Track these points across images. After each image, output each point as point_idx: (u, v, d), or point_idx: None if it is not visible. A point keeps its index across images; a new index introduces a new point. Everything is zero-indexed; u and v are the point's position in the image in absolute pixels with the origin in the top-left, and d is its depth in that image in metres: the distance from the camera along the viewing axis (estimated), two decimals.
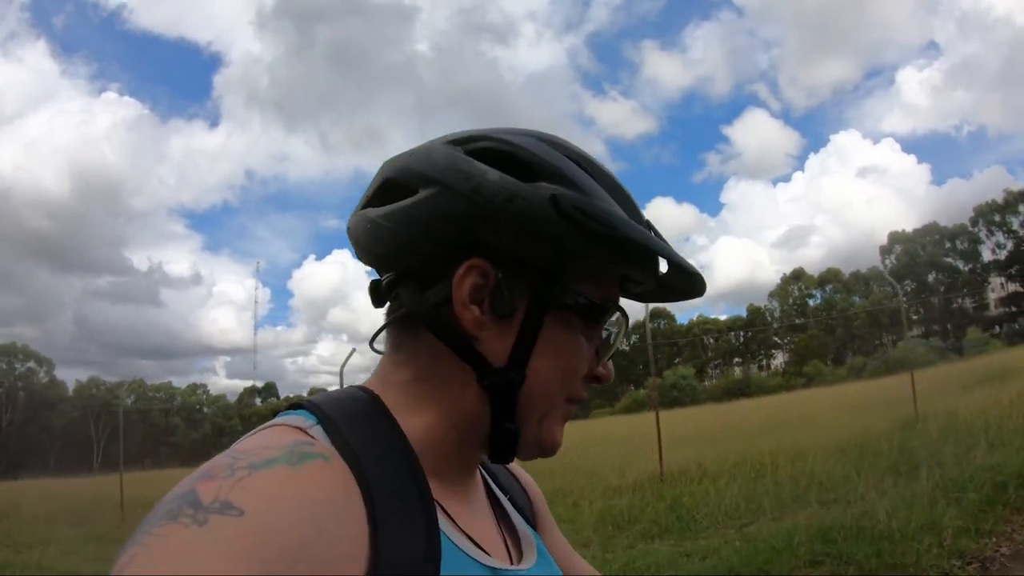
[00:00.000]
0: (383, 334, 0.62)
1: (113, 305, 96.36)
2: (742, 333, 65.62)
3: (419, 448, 0.53)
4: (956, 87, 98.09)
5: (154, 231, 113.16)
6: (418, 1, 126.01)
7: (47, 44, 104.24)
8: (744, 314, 69.50)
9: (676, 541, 5.70)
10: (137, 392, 67.31)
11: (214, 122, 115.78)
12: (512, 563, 0.60)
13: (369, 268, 0.62)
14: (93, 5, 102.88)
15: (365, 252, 0.59)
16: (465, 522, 0.56)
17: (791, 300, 67.09)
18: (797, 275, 67.92)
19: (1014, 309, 54.41)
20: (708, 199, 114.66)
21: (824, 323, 57.89)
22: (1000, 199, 58.67)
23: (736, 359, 69.36)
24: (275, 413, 0.55)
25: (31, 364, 63.35)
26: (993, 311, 56.83)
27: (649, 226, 0.60)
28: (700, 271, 0.61)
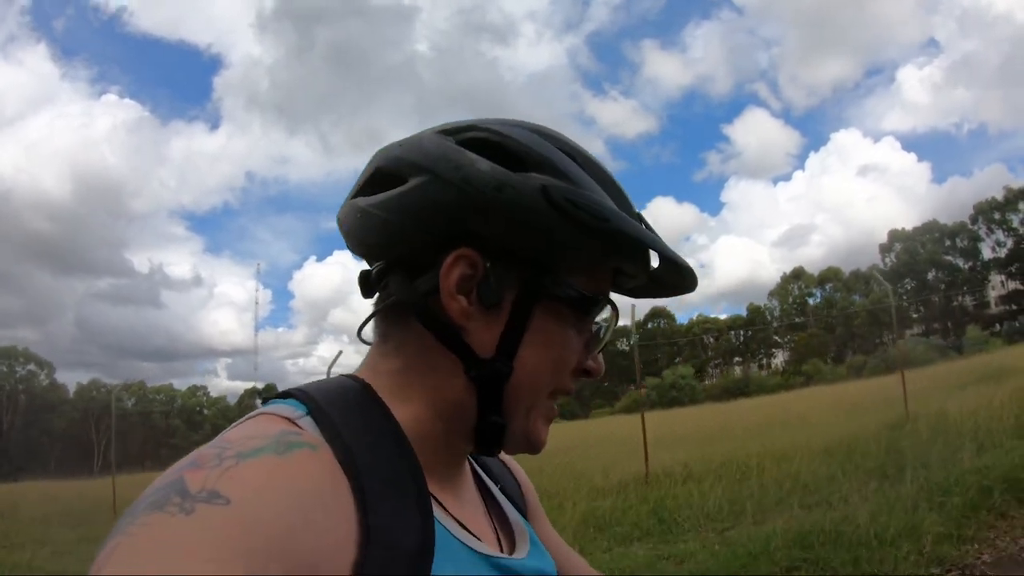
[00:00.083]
0: (372, 324, 0.61)
1: (114, 307, 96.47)
2: (742, 332, 65.52)
3: (410, 438, 0.52)
4: (956, 85, 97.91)
5: (155, 233, 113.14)
6: (418, 1, 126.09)
7: (47, 47, 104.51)
8: (744, 313, 69.45)
9: (655, 544, 5.62)
10: (138, 394, 67.46)
11: (214, 124, 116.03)
12: (503, 553, 0.60)
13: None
14: (93, 8, 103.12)
15: (355, 241, 0.59)
16: (458, 511, 0.56)
17: (791, 299, 66.91)
18: (797, 274, 67.74)
19: (1014, 307, 54.22)
20: (709, 198, 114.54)
21: (824, 322, 57.77)
22: (1000, 197, 58.48)
23: (736, 358, 69.23)
24: (266, 401, 0.54)
25: (31, 367, 63.50)
26: (994, 309, 56.61)
27: (640, 219, 0.59)
28: (692, 266, 0.60)
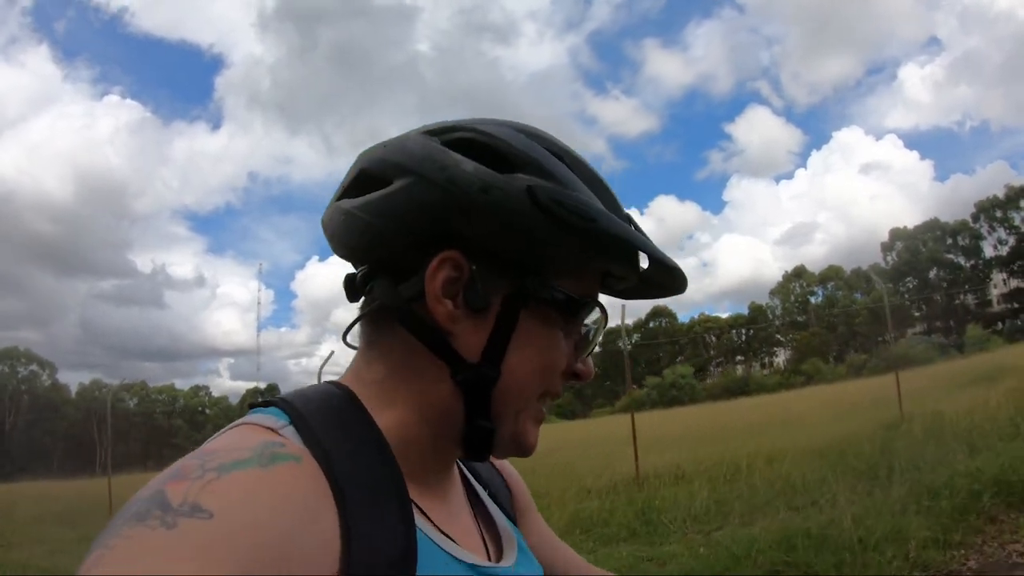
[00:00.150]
0: (357, 329, 0.60)
1: (117, 308, 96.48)
2: (743, 331, 65.38)
3: (394, 445, 0.52)
4: (958, 82, 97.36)
5: (157, 234, 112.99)
6: (419, 1, 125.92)
7: (49, 49, 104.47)
8: (746, 312, 69.30)
9: (641, 546, 5.59)
10: (140, 394, 67.63)
11: (216, 124, 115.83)
12: (491, 561, 0.59)
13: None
14: (94, 9, 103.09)
15: (339, 244, 0.58)
16: (442, 520, 0.55)
17: (793, 298, 66.75)
18: (798, 272, 67.51)
19: (1016, 305, 53.99)
20: (711, 197, 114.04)
21: (825, 321, 57.59)
22: (1002, 195, 58.16)
23: (738, 357, 69.09)
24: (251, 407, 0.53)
25: (34, 367, 63.72)
26: (995, 307, 56.37)
27: (629, 220, 0.59)
28: (681, 267, 0.59)
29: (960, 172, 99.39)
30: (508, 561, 0.61)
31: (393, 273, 0.55)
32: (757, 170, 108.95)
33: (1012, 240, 57.26)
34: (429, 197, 0.51)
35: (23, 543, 9.06)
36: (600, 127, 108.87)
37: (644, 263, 0.58)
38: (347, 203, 0.56)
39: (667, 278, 0.60)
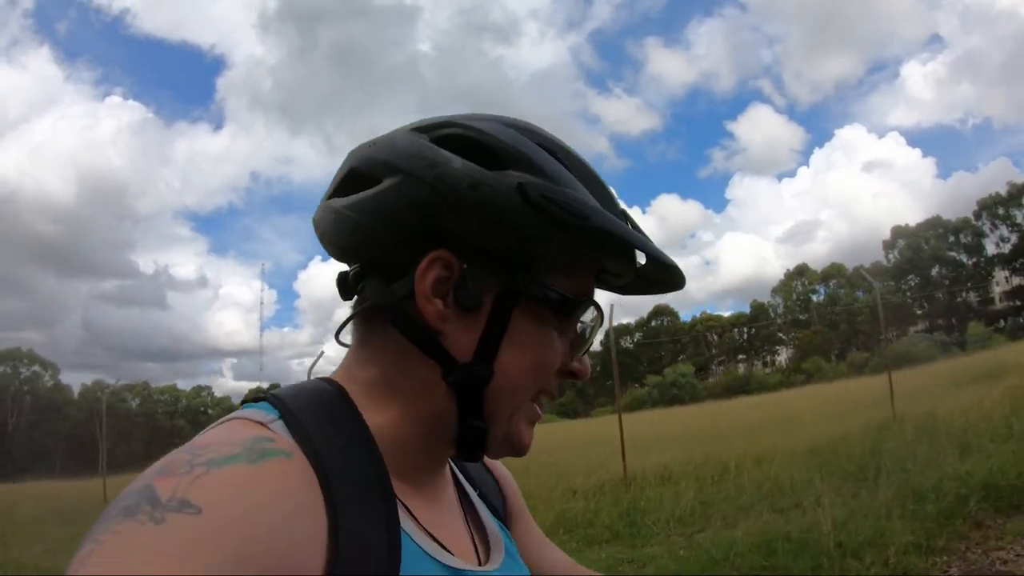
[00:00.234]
0: (349, 327, 0.60)
1: (120, 309, 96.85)
2: (745, 330, 65.15)
3: (384, 445, 0.52)
4: (960, 80, 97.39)
5: (159, 234, 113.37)
6: (420, 1, 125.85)
7: (51, 50, 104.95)
8: (748, 310, 69.06)
9: (624, 547, 5.54)
10: (142, 395, 67.75)
11: (218, 125, 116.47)
12: (480, 563, 0.59)
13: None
14: (96, 10, 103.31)
15: (330, 244, 0.57)
16: (430, 521, 0.55)
17: (794, 296, 66.46)
18: (800, 271, 67.18)
19: (1018, 303, 53.66)
20: (713, 195, 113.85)
21: (827, 319, 57.32)
22: (1004, 192, 57.72)
23: (740, 356, 68.85)
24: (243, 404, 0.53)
25: (36, 368, 63.84)
26: (998, 305, 56.02)
27: (625, 216, 0.58)
28: (677, 263, 0.58)
29: (962, 170, 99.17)
30: (494, 564, 0.60)
31: (384, 272, 0.54)
32: (759, 168, 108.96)
33: (1014, 238, 56.87)
34: (418, 195, 0.51)
35: (21, 542, 9.02)
36: (602, 126, 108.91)
37: (641, 259, 0.57)
38: (337, 202, 0.55)
39: (664, 274, 0.59)
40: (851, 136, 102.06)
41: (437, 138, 0.53)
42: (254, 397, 0.53)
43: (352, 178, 0.56)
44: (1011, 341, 29.53)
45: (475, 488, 0.70)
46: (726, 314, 72.61)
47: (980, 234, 59.20)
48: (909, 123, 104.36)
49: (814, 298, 65.60)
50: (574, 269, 0.56)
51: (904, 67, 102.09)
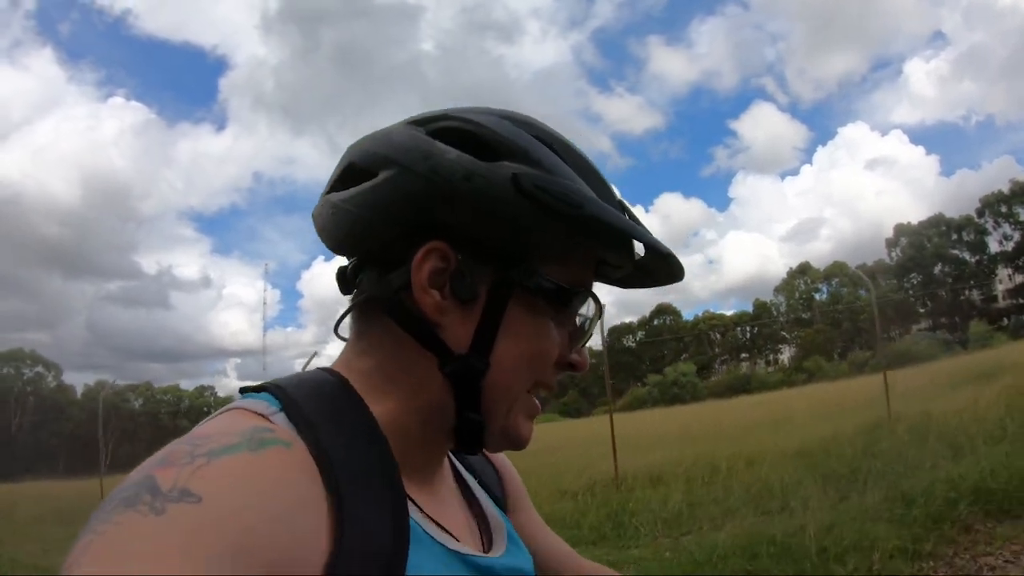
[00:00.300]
0: (348, 321, 0.60)
1: (124, 309, 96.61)
2: (748, 328, 65.00)
3: (385, 434, 0.52)
4: (963, 77, 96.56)
5: (163, 235, 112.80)
6: (422, 1, 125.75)
7: (53, 51, 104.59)
8: (751, 309, 68.88)
9: (609, 549, 5.50)
10: (145, 395, 67.99)
11: (221, 125, 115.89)
12: (484, 551, 0.59)
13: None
14: (98, 11, 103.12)
15: (329, 238, 0.58)
16: (434, 509, 0.55)
17: (797, 294, 66.25)
18: (803, 269, 66.93)
19: (1021, 301, 53.26)
20: (716, 194, 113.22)
21: (830, 317, 57.09)
22: (1007, 190, 57.30)
23: (743, 354, 68.69)
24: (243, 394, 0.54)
25: (39, 369, 64.08)
26: (1001, 303, 55.71)
27: (622, 207, 0.58)
28: (675, 253, 0.58)
29: (966, 167, 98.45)
30: (498, 551, 0.60)
31: (381, 265, 0.55)
32: (762, 167, 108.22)
33: (1017, 235, 56.43)
34: (413, 187, 0.51)
35: (19, 542, 9.04)
36: (605, 124, 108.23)
37: (640, 251, 0.56)
38: (335, 196, 0.56)
39: (663, 265, 0.59)
40: (854, 134, 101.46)
41: (433, 131, 0.54)
42: (255, 387, 0.53)
43: (350, 172, 0.56)
44: (1013, 340, 29.39)
45: (475, 477, 0.70)
46: (729, 313, 72.52)
47: (983, 232, 58.82)
48: (912, 121, 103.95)
49: (817, 297, 65.48)
50: (570, 260, 0.56)
51: (907, 64, 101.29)
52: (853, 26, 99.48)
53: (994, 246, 58.29)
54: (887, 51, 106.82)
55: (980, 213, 58.97)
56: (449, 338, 0.53)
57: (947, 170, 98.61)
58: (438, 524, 0.54)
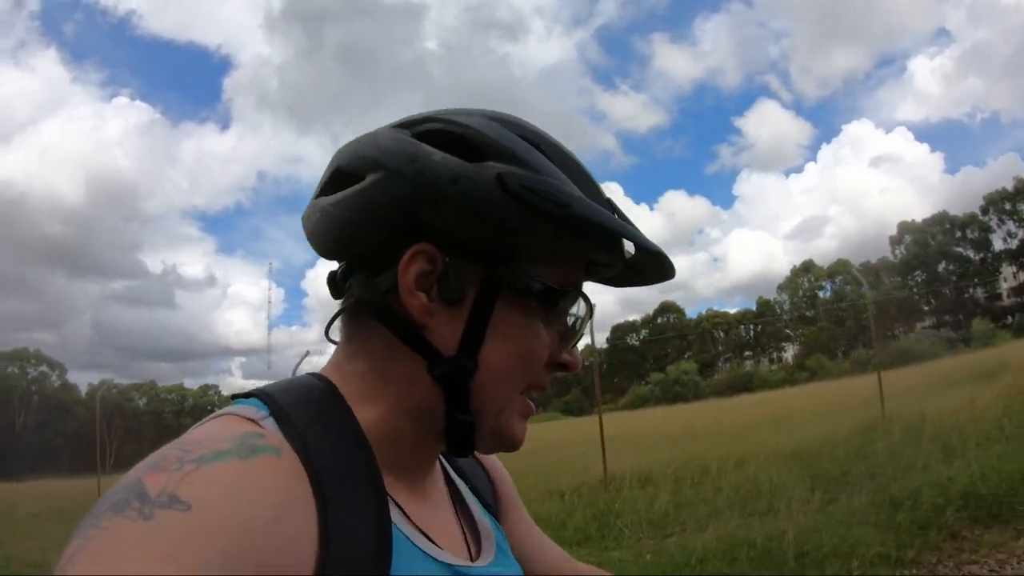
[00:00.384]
0: (338, 324, 0.60)
1: (129, 309, 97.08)
2: (752, 326, 64.77)
3: (374, 441, 0.52)
4: (968, 74, 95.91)
5: (168, 234, 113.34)
6: None
7: (57, 52, 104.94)
8: (754, 307, 68.59)
9: (593, 550, 5.42)
10: (149, 394, 68.23)
11: (225, 125, 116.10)
12: (473, 559, 0.59)
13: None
14: (102, 12, 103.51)
15: (318, 242, 0.58)
16: (421, 517, 0.55)
17: (801, 292, 65.93)
18: (807, 267, 66.59)
19: None
20: (721, 191, 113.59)
21: (834, 315, 56.75)
22: (1011, 187, 56.86)
23: (747, 353, 68.42)
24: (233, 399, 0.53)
25: (43, 368, 64.37)
26: (1005, 301, 55.30)
27: (611, 206, 0.57)
28: (665, 251, 0.57)
29: (971, 164, 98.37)
30: (485, 560, 0.60)
31: (369, 268, 0.54)
32: (767, 164, 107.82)
33: (1021, 233, 56.08)
34: (400, 190, 0.51)
35: (17, 539, 9.02)
36: (609, 122, 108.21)
37: (630, 249, 0.55)
38: (323, 200, 0.56)
39: (653, 263, 0.58)
40: (858, 131, 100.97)
41: (419, 133, 0.53)
42: (244, 393, 0.53)
43: (338, 177, 0.56)
44: (1016, 338, 29.21)
45: (467, 482, 0.69)
46: (733, 311, 72.28)
47: (987, 229, 58.44)
48: (917, 118, 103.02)
49: (820, 294, 65.16)
50: (558, 259, 0.55)
51: (911, 61, 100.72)
52: (857, 23, 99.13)
53: (998, 244, 58.11)
54: (891, 48, 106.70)
55: (984, 211, 58.64)
56: (437, 340, 0.52)
57: (952, 167, 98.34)
58: (424, 533, 0.53)
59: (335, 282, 0.60)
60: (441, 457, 0.67)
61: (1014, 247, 56.36)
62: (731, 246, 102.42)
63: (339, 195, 0.54)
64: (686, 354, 63.40)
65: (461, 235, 0.52)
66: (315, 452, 0.46)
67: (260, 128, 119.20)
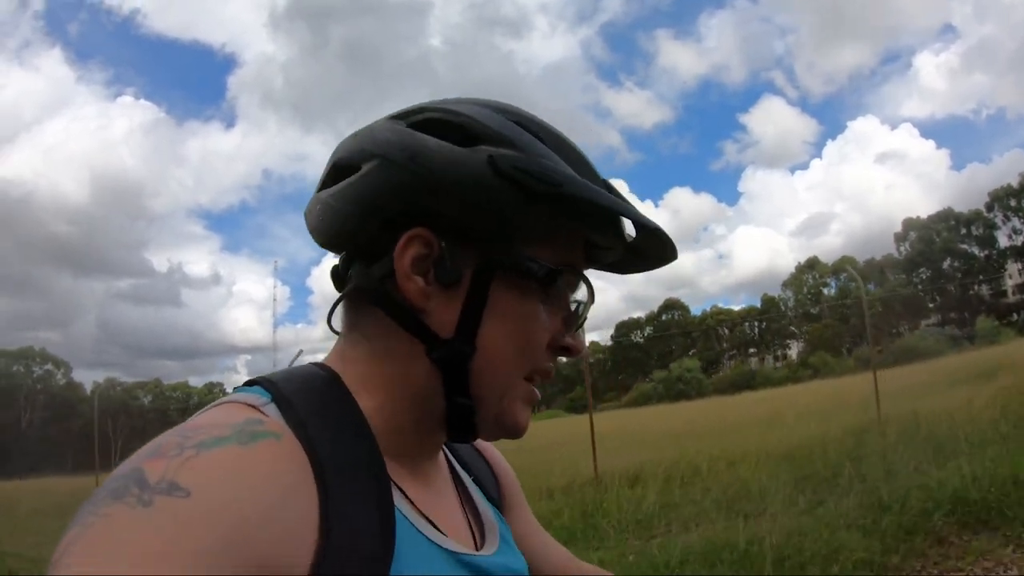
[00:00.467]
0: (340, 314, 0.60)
1: (135, 307, 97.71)
2: (756, 323, 64.52)
3: (377, 428, 0.52)
4: (973, 70, 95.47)
5: (173, 233, 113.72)
6: None
7: (62, 51, 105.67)
8: (759, 304, 68.32)
9: (577, 550, 5.23)
10: (154, 392, 68.54)
11: (230, 123, 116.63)
12: (477, 548, 0.59)
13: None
14: (107, 11, 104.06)
15: (318, 234, 0.59)
16: (426, 504, 0.55)
17: (805, 289, 65.65)
18: (811, 264, 66.25)
19: None
20: (726, 188, 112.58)
21: (838, 312, 56.50)
22: (1016, 183, 56.38)
23: (751, 350, 68.18)
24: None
25: (49, 367, 64.70)
26: (1010, 298, 54.87)
27: (608, 187, 0.57)
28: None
29: (976, 161, 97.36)
30: (490, 549, 0.60)
31: (368, 256, 0.55)
32: (772, 161, 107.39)
33: None
34: (395, 178, 0.51)
35: (16, 534, 9.06)
36: (614, 119, 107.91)
37: (631, 232, 0.57)
38: (323, 193, 0.57)
39: (654, 244, 0.58)
40: (864, 128, 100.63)
41: (414, 123, 0.54)
42: (247, 381, 0.53)
43: (336, 170, 0.56)
44: (1021, 336, 29.00)
45: (470, 474, 0.69)
46: (737, 308, 72.07)
47: (992, 226, 57.98)
48: (922, 114, 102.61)
49: (825, 291, 64.80)
50: (555, 240, 0.55)
51: (917, 57, 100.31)
52: (862, 19, 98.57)
53: (1003, 240, 57.65)
54: (896, 44, 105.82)
55: (990, 207, 58.19)
56: (435, 323, 0.52)
57: (957, 164, 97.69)
58: (428, 520, 0.53)
59: (338, 274, 0.60)
60: (445, 448, 0.68)
61: (1019, 244, 55.90)
62: (736, 243, 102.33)
63: (337, 187, 0.55)
64: (690, 351, 63.24)
65: (456, 219, 0.52)
66: (316, 439, 0.46)
67: (265, 126, 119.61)
